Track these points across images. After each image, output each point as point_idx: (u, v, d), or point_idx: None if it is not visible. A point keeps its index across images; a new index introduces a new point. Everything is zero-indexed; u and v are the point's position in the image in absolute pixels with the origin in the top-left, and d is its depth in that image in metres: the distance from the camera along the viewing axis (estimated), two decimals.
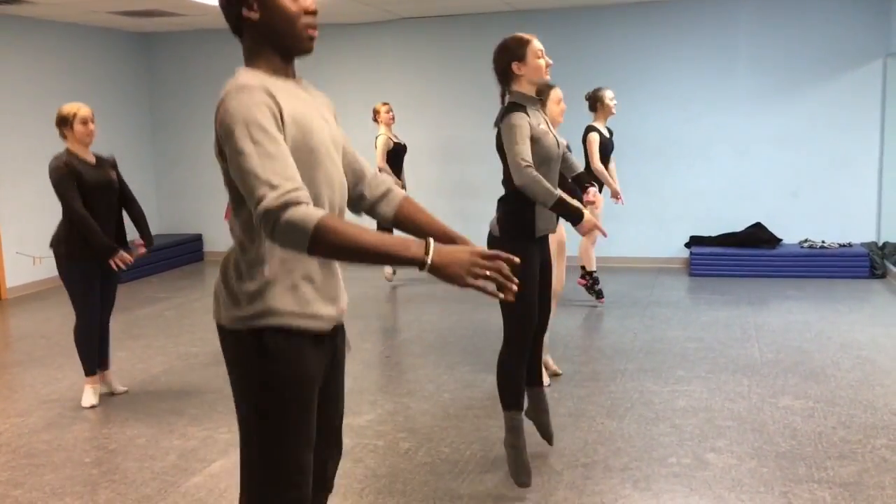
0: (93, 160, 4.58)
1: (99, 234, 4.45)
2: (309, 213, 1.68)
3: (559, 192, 3.29)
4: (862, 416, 4.23)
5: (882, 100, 8.10)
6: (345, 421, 4.36)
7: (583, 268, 6.87)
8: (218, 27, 9.57)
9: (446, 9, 8.54)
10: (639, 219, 8.63)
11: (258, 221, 1.70)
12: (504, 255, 1.73)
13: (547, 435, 3.81)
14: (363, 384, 4.94)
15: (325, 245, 1.67)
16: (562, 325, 6.17)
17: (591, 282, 6.90)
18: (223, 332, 1.97)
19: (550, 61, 3.41)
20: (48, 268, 8.07)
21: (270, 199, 1.67)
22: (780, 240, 8.32)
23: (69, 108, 4.51)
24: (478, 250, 1.72)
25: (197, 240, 9.95)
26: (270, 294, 1.88)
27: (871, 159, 8.19)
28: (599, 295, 6.93)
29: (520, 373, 3.49)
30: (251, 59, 1.91)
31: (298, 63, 2.03)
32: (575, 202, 3.34)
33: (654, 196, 8.65)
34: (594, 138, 6.43)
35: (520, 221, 3.40)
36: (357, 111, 9.37)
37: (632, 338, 5.84)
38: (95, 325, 4.71)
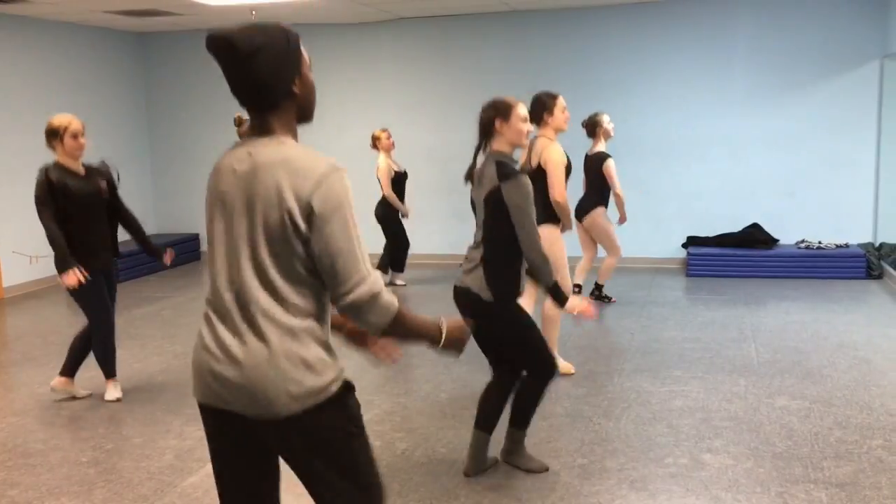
0: (82, 171, 4.53)
1: (62, 247, 4.38)
2: (392, 298, 1.97)
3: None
4: (858, 416, 4.23)
5: (879, 101, 8.11)
6: None
7: (596, 283, 7.11)
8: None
9: (445, 9, 8.54)
10: (636, 219, 8.63)
11: (355, 298, 1.89)
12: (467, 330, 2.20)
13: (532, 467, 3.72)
14: (360, 384, 4.91)
15: (398, 327, 1.97)
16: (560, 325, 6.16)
17: (597, 293, 7.10)
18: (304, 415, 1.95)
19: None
20: (45, 267, 8.07)
21: (372, 281, 1.91)
22: (777, 240, 8.33)
23: (60, 120, 4.45)
24: (464, 328, 2.17)
25: (194, 239, 9.94)
26: (334, 356, 2.01)
27: (868, 160, 8.21)
28: (608, 298, 7.08)
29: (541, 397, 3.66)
30: (287, 130, 1.98)
31: None
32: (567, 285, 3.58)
33: (652, 196, 8.66)
34: (612, 164, 6.62)
35: (511, 283, 3.42)
36: (355, 112, 9.37)
37: (629, 338, 5.85)
38: (112, 329, 4.71)
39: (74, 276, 4.39)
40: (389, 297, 1.94)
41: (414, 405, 4.58)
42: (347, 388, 2.01)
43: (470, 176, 3.59)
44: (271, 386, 1.88)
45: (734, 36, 8.38)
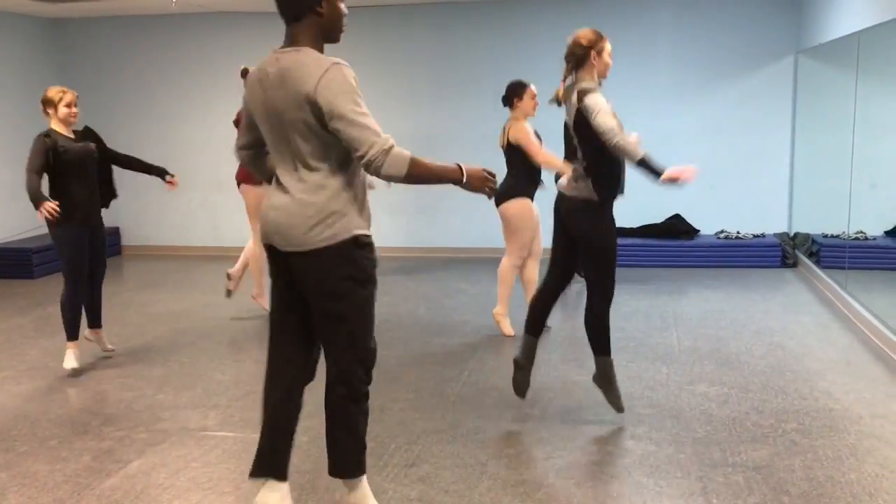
0: (72, 136, 5.06)
1: (34, 189, 4.75)
2: (402, 151, 2.54)
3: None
4: (773, 401, 4.38)
5: (793, 96, 8.40)
6: None
7: None
8: (129, 14, 9.27)
9: None
10: None
11: (373, 154, 2.48)
12: (491, 176, 2.71)
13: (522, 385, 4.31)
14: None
15: (416, 171, 2.54)
16: (486, 317, 6.21)
17: None
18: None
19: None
20: None
21: (383, 141, 2.50)
22: (698, 231, 8.56)
23: (55, 91, 4.99)
24: (483, 171, 2.68)
25: (114, 234, 9.64)
26: (354, 212, 2.70)
27: (783, 153, 8.50)
28: None
29: (609, 324, 4.11)
30: (312, 43, 2.61)
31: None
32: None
33: None
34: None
35: (611, 186, 4.03)
36: None
37: (555, 328, 5.92)
38: (83, 293, 5.10)
39: (47, 205, 4.71)
40: (401, 150, 2.52)
41: None
42: (356, 243, 2.62)
43: (558, 100, 4.15)
44: (291, 224, 2.61)
45: (656, 32, 8.56)
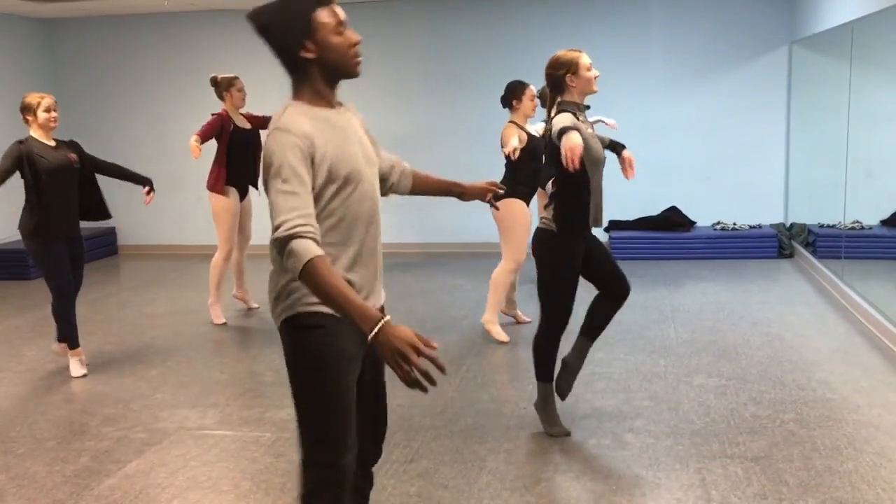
0: (53, 144, 4.93)
1: None
2: (308, 248, 2.04)
3: None
4: (771, 391, 4.39)
5: (788, 86, 8.40)
6: (267, 414, 4.30)
7: None
8: (121, 13, 9.24)
9: None
10: None
11: (274, 239, 2.07)
12: (430, 353, 1.99)
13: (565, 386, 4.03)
14: (285, 377, 4.86)
15: (309, 280, 2.04)
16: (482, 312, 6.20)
17: None
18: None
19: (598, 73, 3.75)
20: None
21: (283, 229, 2.05)
22: (694, 223, 8.57)
23: (33, 97, 4.92)
24: (415, 341, 1.98)
25: (110, 233, 9.62)
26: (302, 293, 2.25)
27: (779, 143, 8.50)
28: None
29: (552, 351, 3.92)
30: (298, 91, 2.26)
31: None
32: None
33: None
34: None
35: (573, 215, 3.74)
36: (276, 100, 9.16)
37: None
38: (72, 298, 4.99)
39: None
40: (304, 247, 2.04)
41: None
42: (297, 324, 2.25)
43: (542, 98, 4.02)
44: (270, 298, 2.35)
45: (649, 24, 8.54)
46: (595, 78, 3.72)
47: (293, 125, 2.14)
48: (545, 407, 3.94)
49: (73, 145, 5.10)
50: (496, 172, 5.45)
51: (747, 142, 8.53)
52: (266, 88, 9.18)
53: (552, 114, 3.75)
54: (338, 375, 2.28)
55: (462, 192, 2.79)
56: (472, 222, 8.85)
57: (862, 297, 5.88)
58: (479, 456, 3.69)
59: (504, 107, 5.43)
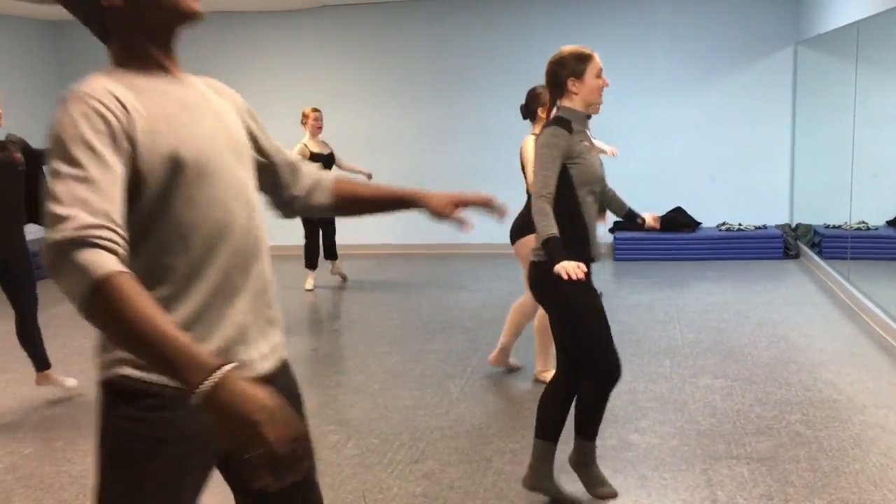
0: None
1: None
2: (102, 261, 1.27)
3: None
4: (777, 392, 4.38)
5: (793, 86, 8.39)
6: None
7: None
8: None
9: None
10: None
11: (42, 254, 1.33)
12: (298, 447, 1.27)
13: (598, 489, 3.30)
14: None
15: (102, 307, 1.26)
16: (488, 314, 6.21)
17: None
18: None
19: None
20: None
21: (62, 230, 1.28)
22: (700, 223, 8.56)
23: None
24: (273, 410, 1.25)
25: None
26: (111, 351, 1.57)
27: (784, 144, 8.49)
28: None
29: (603, 408, 3.22)
30: (117, 58, 1.54)
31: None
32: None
33: None
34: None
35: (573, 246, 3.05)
36: (279, 102, 9.20)
37: None
38: (28, 321, 4.56)
39: None
40: (96, 259, 1.27)
41: (345, 397, 4.55)
42: (117, 389, 1.49)
43: None
44: None
45: (654, 24, 8.54)
46: (602, 88, 3.10)
47: (97, 90, 1.42)
48: (591, 465, 3.29)
49: (18, 142, 4.48)
50: (501, 174, 5.45)
51: (752, 142, 8.52)
52: (266, 88, 9.23)
53: (542, 127, 3.17)
54: (173, 483, 1.51)
55: (424, 205, 1.93)
56: (477, 223, 8.86)
57: (868, 297, 5.87)
58: (485, 456, 3.69)
59: (525, 117, 4.60)
